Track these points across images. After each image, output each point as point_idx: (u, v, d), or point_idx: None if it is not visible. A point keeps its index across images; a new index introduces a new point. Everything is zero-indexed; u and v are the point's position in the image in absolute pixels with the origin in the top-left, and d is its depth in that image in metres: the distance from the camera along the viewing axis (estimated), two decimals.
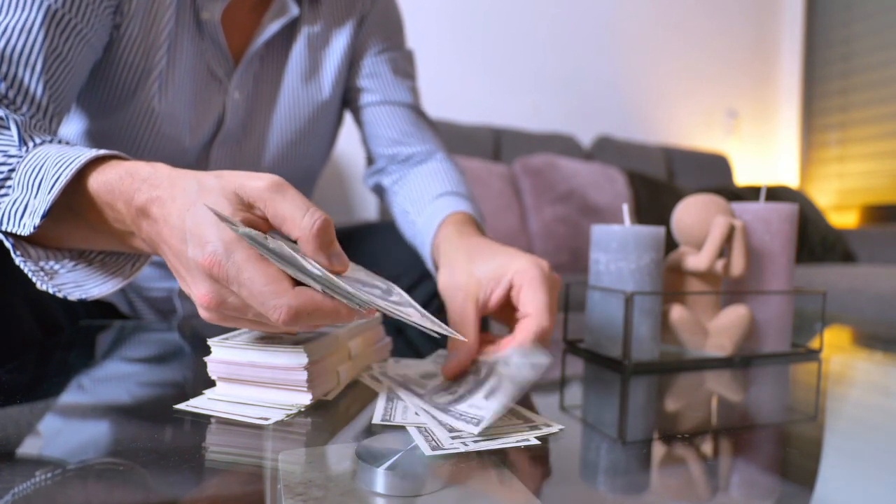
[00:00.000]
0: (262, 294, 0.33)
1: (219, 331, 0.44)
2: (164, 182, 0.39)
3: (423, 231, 0.70)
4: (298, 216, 0.36)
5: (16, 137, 0.47)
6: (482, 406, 0.37)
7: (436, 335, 0.37)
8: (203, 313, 0.38)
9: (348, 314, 0.36)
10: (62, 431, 0.37)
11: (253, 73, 0.74)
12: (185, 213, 0.36)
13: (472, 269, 0.50)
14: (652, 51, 2.81)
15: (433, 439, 0.33)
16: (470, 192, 0.77)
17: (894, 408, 0.48)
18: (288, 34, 0.75)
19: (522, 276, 0.47)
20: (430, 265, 0.68)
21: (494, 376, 0.40)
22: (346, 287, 0.34)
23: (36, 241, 0.47)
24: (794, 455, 0.37)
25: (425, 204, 0.74)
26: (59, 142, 0.49)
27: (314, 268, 0.34)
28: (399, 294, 0.41)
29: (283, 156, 0.78)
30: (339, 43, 0.78)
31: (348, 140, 1.51)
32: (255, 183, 0.37)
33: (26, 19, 0.54)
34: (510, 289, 0.47)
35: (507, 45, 2.49)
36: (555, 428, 0.36)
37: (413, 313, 0.37)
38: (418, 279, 0.81)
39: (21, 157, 0.46)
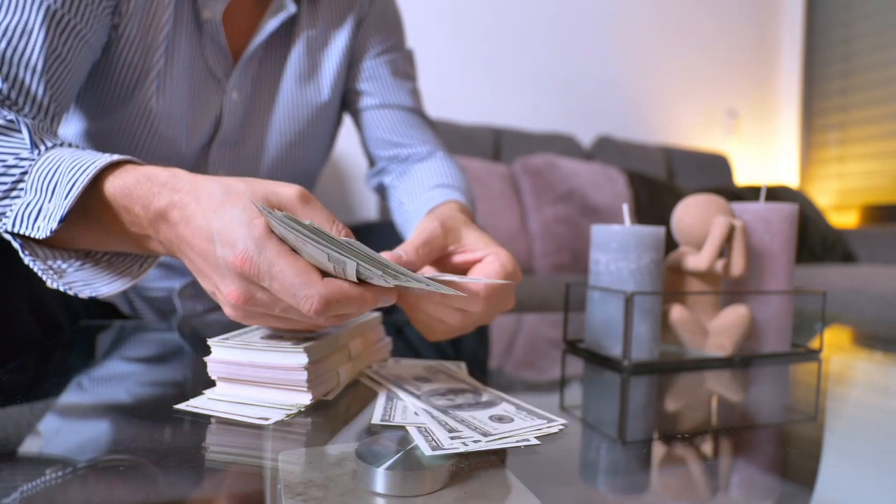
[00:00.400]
0: (294, 285, 0.35)
1: (219, 330, 0.44)
2: (185, 186, 0.40)
3: (413, 217, 0.70)
4: (326, 227, 0.38)
5: (27, 140, 0.48)
6: (487, 423, 0.37)
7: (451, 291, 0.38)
8: (229, 311, 0.39)
9: (373, 299, 0.37)
10: (62, 431, 0.37)
11: (251, 75, 0.74)
12: (212, 215, 0.37)
13: (461, 227, 0.50)
14: (652, 51, 2.81)
15: (433, 439, 0.33)
16: (467, 188, 0.77)
17: (894, 408, 0.48)
18: (287, 36, 0.75)
19: (496, 255, 0.47)
20: None
21: (502, 403, 0.41)
22: (382, 257, 0.35)
23: (44, 242, 0.47)
24: (794, 455, 0.37)
25: (419, 194, 0.74)
26: (70, 145, 0.50)
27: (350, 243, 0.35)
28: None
29: (281, 158, 0.78)
30: (338, 44, 0.78)
31: (348, 140, 1.51)
32: (287, 191, 0.39)
33: (26, 20, 0.54)
34: (478, 260, 0.48)
35: (507, 45, 2.49)
36: (558, 424, 0.36)
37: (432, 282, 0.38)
38: None
39: (33, 160, 0.46)
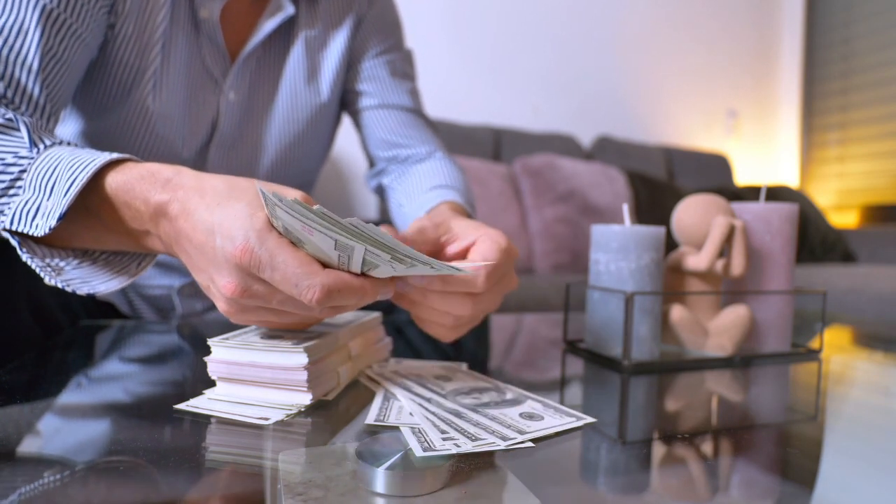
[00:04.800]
0: (296, 275, 0.35)
1: (219, 330, 0.44)
2: (188, 182, 0.41)
3: (411, 218, 0.70)
4: None
5: (26, 139, 0.48)
6: (519, 421, 0.37)
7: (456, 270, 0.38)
8: (223, 306, 0.39)
9: (373, 291, 0.37)
10: (62, 431, 0.37)
11: (249, 75, 0.74)
12: (216, 208, 0.38)
13: (449, 219, 0.50)
14: (652, 51, 2.81)
15: (426, 440, 0.33)
16: (466, 188, 0.77)
17: (894, 408, 0.48)
18: (285, 36, 0.75)
19: (487, 235, 0.47)
20: None
21: (527, 401, 0.41)
22: (390, 240, 0.35)
23: (42, 240, 0.47)
24: (794, 455, 0.37)
25: (417, 195, 0.75)
26: (69, 144, 0.50)
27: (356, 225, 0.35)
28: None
29: (280, 158, 0.78)
30: (337, 45, 0.78)
31: (348, 140, 1.51)
32: (291, 193, 0.39)
33: (22, 19, 0.54)
34: (471, 244, 0.48)
35: (507, 45, 2.49)
36: (587, 419, 0.38)
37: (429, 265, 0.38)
38: None
39: (32, 158, 0.46)
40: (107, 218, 0.45)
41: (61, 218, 0.43)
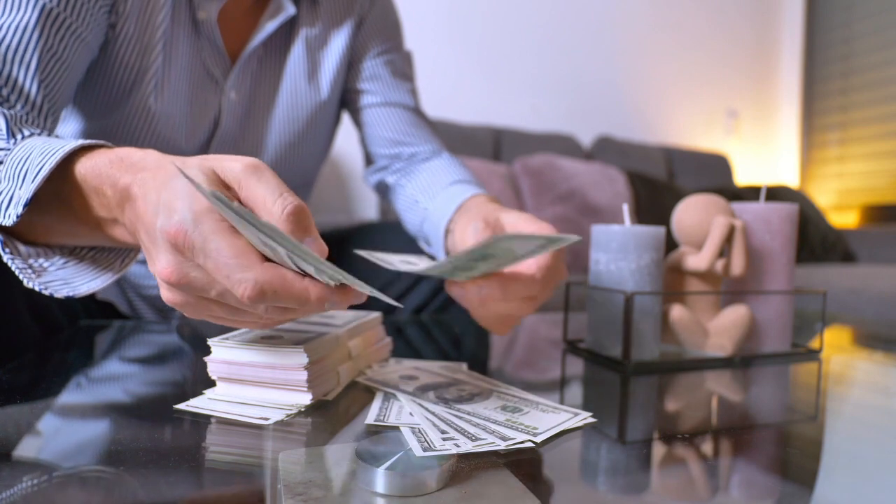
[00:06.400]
0: (228, 266, 0.31)
1: (219, 330, 0.44)
2: (151, 165, 0.38)
3: (438, 214, 0.70)
4: (270, 200, 0.34)
5: (4, 131, 0.47)
6: (517, 420, 0.37)
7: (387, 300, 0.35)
8: (164, 293, 0.36)
9: (318, 296, 0.33)
10: (62, 431, 0.37)
11: (251, 74, 0.74)
12: (162, 187, 0.35)
13: (500, 215, 0.50)
14: (652, 51, 2.81)
15: (426, 440, 0.33)
16: (480, 184, 0.77)
17: (894, 408, 0.48)
18: (286, 35, 0.75)
19: (540, 231, 0.47)
20: (437, 249, 0.68)
21: (528, 400, 0.41)
22: (310, 251, 0.31)
23: (25, 238, 0.47)
24: (794, 455, 0.37)
25: (438, 191, 0.74)
26: (49, 135, 0.49)
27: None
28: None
29: (281, 157, 0.78)
30: (338, 44, 0.78)
31: (348, 140, 1.51)
32: (233, 164, 0.35)
33: (21, 18, 0.54)
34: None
35: (507, 45, 2.49)
36: (583, 416, 0.38)
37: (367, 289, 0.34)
38: (418, 278, 0.81)
39: (9, 149, 0.46)
40: (77, 207, 0.43)
41: (27, 204, 0.41)
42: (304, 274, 0.33)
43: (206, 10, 0.67)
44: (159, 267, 0.34)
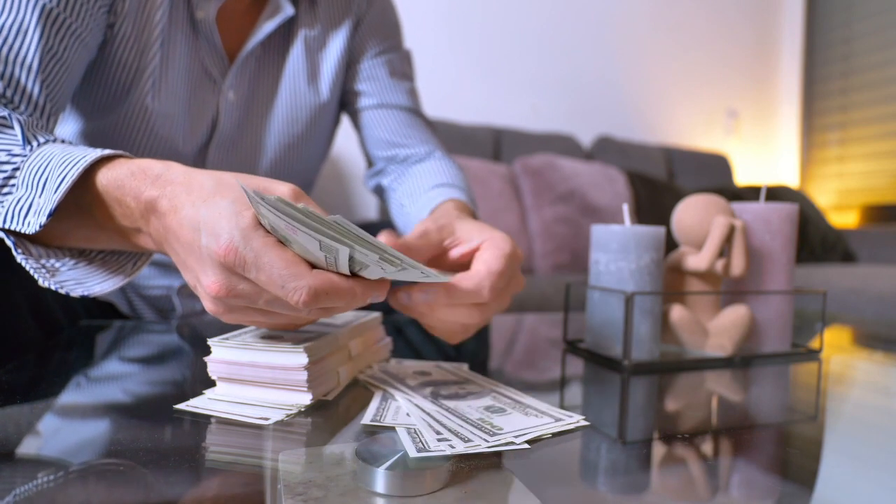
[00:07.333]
0: (282, 276, 0.34)
1: (219, 330, 0.44)
2: (178, 178, 0.40)
3: (414, 220, 0.70)
4: None
5: (20, 136, 0.47)
6: (511, 420, 0.37)
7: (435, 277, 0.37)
8: (209, 305, 0.38)
9: (363, 293, 0.36)
10: (62, 431, 0.37)
11: (249, 75, 0.74)
12: (201, 204, 0.37)
13: (454, 221, 0.50)
14: (652, 51, 2.81)
15: (421, 441, 0.33)
16: (467, 186, 0.77)
17: (894, 408, 0.48)
18: (285, 36, 0.75)
19: (491, 240, 0.46)
20: None
21: (524, 402, 0.41)
22: (378, 242, 0.34)
23: (37, 240, 0.47)
24: (794, 455, 0.37)
25: (420, 195, 0.74)
26: (63, 142, 0.49)
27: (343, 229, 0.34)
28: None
29: (280, 158, 0.78)
30: (336, 45, 0.78)
31: (348, 140, 1.51)
32: (280, 188, 0.38)
33: (21, 19, 0.54)
34: (475, 249, 0.47)
35: (507, 45, 2.49)
36: (576, 419, 0.38)
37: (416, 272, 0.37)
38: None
39: (25, 156, 0.46)
40: (99, 215, 0.44)
41: (51, 214, 0.42)
42: (351, 274, 0.36)
43: (204, 9, 0.67)
44: (206, 283, 0.36)
